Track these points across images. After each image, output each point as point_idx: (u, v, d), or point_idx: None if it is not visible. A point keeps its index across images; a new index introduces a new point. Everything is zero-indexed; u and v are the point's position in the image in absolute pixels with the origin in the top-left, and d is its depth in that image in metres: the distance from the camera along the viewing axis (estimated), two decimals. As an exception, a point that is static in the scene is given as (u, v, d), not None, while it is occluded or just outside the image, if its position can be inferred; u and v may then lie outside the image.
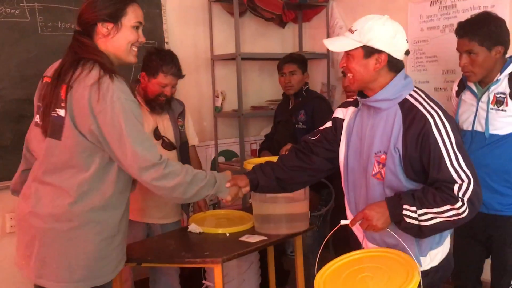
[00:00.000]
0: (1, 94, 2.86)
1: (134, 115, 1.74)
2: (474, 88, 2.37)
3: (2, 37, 2.87)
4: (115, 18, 1.78)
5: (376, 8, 3.84)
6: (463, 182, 1.63)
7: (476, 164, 1.72)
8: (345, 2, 4.07)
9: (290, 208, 2.41)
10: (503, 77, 2.26)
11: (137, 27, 1.84)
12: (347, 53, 1.78)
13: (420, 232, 1.68)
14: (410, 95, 1.75)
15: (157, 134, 2.67)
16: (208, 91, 3.95)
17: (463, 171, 1.64)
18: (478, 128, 2.30)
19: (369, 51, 1.74)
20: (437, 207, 1.64)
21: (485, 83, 2.32)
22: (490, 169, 2.24)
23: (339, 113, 1.96)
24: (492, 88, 2.28)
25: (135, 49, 1.88)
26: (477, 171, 1.69)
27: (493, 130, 2.24)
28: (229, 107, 4.02)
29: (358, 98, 1.85)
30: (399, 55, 1.77)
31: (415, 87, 1.80)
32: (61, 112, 1.75)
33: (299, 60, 3.23)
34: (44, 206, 1.79)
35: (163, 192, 1.81)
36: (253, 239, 2.29)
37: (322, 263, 1.73)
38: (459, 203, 1.62)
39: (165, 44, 3.58)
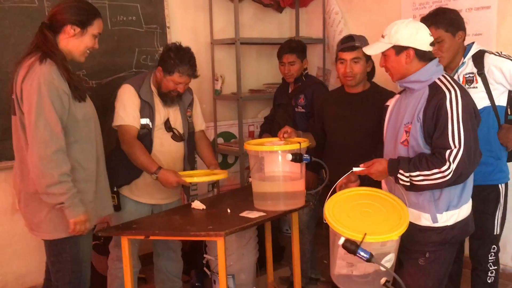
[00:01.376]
0: (9, 76, 2.97)
1: (49, 97, 2.04)
2: None
3: (11, 22, 2.98)
4: (83, 25, 2.18)
5: (371, -5, 3.95)
6: (455, 148, 1.93)
7: None
8: (341, -12, 4.18)
9: (287, 186, 2.54)
10: (467, 60, 2.54)
11: (96, 36, 2.24)
12: (383, 54, 2.14)
13: (412, 187, 2.02)
14: (439, 78, 2.07)
15: (168, 126, 2.76)
16: (208, 75, 4.07)
17: (459, 140, 1.93)
18: None
19: (398, 49, 2.08)
20: (427, 170, 1.95)
21: (451, 68, 2.57)
22: None
23: (388, 102, 2.32)
24: (460, 70, 2.55)
25: (88, 52, 2.26)
26: None
27: None
28: (228, 90, 4.14)
29: (400, 83, 2.15)
30: (425, 47, 2.08)
31: (446, 73, 2.11)
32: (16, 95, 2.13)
33: (297, 49, 3.29)
34: None
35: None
36: (253, 215, 2.43)
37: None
38: (446, 166, 1.93)
39: (167, 29, 3.69)
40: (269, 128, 3.45)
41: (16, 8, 2.99)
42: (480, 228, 2.44)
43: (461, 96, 1.98)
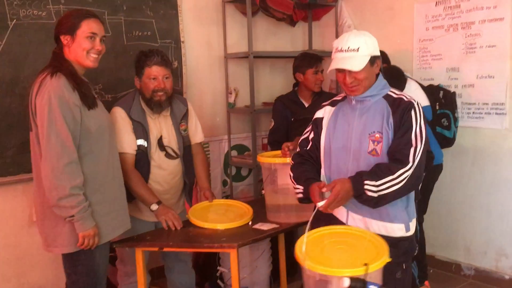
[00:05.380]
0: (28, 91, 3.04)
1: (60, 109, 2.09)
2: None
3: (30, 37, 3.06)
4: (71, 31, 2.21)
5: (383, 8, 3.97)
6: (417, 147, 1.94)
7: None
8: (354, 1, 4.21)
9: (300, 199, 2.56)
10: None
11: (91, 37, 2.22)
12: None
13: (377, 203, 1.94)
14: (391, 91, 2.08)
15: (161, 145, 2.70)
16: (222, 88, 4.11)
17: (421, 138, 1.95)
18: None
19: (372, 60, 2.03)
20: (392, 174, 1.90)
21: None
22: None
23: (318, 114, 2.22)
24: None
25: (94, 55, 2.25)
26: None
27: None
28: (242, 103, 4.18)
29: (350, 96, 2.08)
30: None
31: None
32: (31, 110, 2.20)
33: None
34: None
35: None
36: (266, 227, 2.45)
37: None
38: (410, 164, 1.92)
39: (181, 43, 3.75)
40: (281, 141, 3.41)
41: (34, 25, 3.07)
42: None
43: (420, 105, 2.03)
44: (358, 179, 1.93)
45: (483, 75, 3.42)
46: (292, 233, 4.23)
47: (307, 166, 2.15)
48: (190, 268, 3.03)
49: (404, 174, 1.91)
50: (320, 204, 1.92)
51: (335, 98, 2.22)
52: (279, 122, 3.38)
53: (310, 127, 2.23)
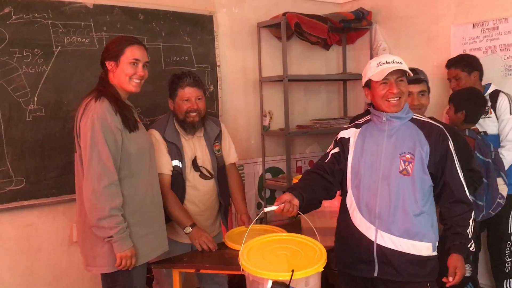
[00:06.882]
0: (71, 115, 3.16)
1: (102, 132, 2.15)
2: None
3: (74, 63, 3.19)
4: (115, 57, 2.29)
5: (419, 31, 3.96)
6: (463, 181, 2.07)
7: None
8: (389, 24, 4.22)
9: (335, 221, 2.54)
10: (486, 96, 3.15)
11: (134, 63, 2.30)
12: (402, 79, 2.08)
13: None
14: (415, 115, 2.17)
15: (195, 165, 2.73)
16: (256, 111, 4.16)
17: (462, 174, 2.09)
18: None
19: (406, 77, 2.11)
20: (468, 222, 2.04)
21: None
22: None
23: (343, 134, 2.23)
24: None
25: (137, 81, 2.33)
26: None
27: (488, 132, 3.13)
28: (276, 126, 4.21)
29: (382, 114, 2.12)
30: None
31: None
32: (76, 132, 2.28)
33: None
34: None
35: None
36: (302, 250, 2.43)
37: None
38: (471, 204, 2.07)
39: (217, 68, 3.83)
40: None
41: (78, 51, 3.20)
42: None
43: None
44: (464, 249, 2.02)
45: (524, 97, 3.34)
46: (328, 257, 4.18)
47: (311, 176, 2.18)
48: (226, 291, 3.03)
49: (472, 215, 2.06)
50: (267, 209, 1.99)
51: (357, 122, 2.26)
52: None
53: (333, 145, 2.26)
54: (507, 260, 3.15)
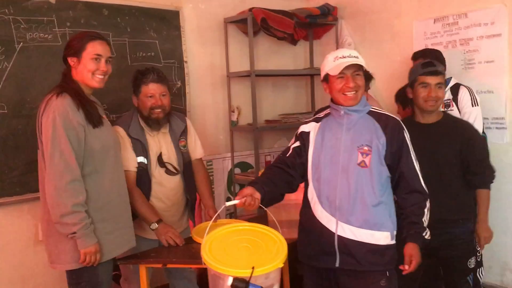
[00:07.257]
0: (34, 112, 3.10)
1: (64, 128, 2.14)
2: None
3: (37, 60, 3.13)
4: (77, 53, 2.28)
5: (383, 26, 4.04)
6: (419, 171, 2.15)
7: None
8: (354, 20, 4.28)
9: (302, 214, 2.57)
10: (447, 90, 3.10)
11: (96, 59, 2.29)
12: (358, 73, 2.12)
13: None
14: (372, 108, 2.22)
15: (161, 162, 2.72)
16: (225, 106, 4.17)
17: (419, 169, 2.15)
18: None
19: (365, 74, 2.17)
20: (423, 211, 2.12)
21: None
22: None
23: (304, 128, 2.28)
24: None
25: (100, 76, 2.32)
26: None
27: None
28: (244, 121, 4.23)
29: (340, 108, 2.17)
30: None
31: None
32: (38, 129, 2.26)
33: None
34: None
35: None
36: (268, 243, 2.46)
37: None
38: (426, 194, 2.15)
39: (184, 63, 3.82)
40: None
41: (41, 47, 3.14)
42: None
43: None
44: (419, 238, 2.09)
45: (483, 90, 3.45)
46: (296, 250, 4.23)
47: (273, 170, 2.22)
48: (195, 285, 3.03)
49: (427, 204, 2.14)
50: (228, 203, 2.01)
51: (317, 116, 2.30)
52: None
53: (294, 139, 2.30)
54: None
